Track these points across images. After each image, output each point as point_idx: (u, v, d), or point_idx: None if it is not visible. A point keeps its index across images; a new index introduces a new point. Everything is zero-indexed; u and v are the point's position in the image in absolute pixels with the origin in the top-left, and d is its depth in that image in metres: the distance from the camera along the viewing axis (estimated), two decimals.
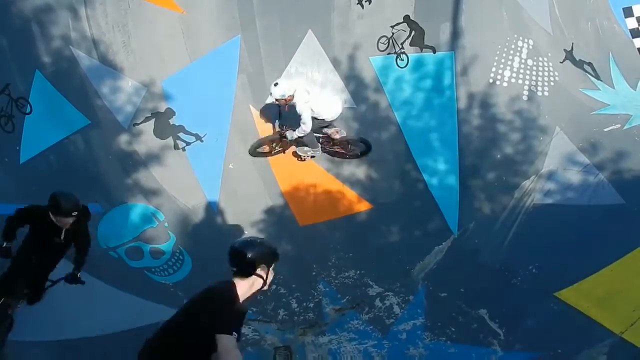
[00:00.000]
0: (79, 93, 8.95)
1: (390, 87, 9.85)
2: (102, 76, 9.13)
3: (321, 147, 9.44)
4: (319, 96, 8.95)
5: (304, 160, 9.51)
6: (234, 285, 4.11)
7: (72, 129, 8.78)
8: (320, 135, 9.29)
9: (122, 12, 9.25)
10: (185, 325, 3.94)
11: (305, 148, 9.38)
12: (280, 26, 9.81)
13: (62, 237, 6.25)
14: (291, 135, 9.05)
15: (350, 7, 9.92)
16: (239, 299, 4.07)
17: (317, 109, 8.82)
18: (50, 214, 6.06)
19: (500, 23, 9.95)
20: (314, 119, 8.85)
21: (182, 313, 4.08)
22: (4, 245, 6.12)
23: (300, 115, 8.76)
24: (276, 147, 9.55)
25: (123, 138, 9.07)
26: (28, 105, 8.58)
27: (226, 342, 3.72)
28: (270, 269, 4.22)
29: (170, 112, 9.35)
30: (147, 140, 9.17)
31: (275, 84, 8.64)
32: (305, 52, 9.86)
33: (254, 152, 9.48)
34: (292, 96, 8.64)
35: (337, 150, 9.52)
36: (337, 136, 9.27)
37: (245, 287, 4.14)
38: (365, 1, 9.91)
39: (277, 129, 9.34)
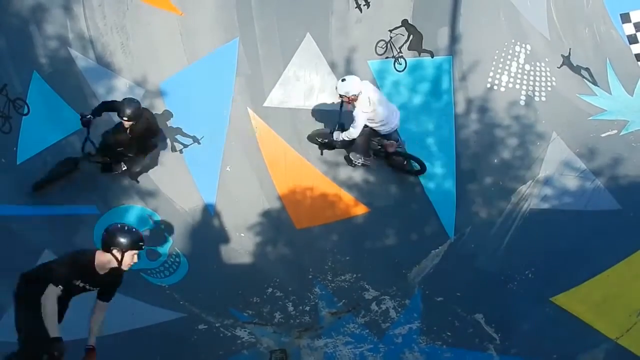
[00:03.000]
0: (76, 94, 8.94)
1: (388, 90, 9.85)
2: (99, 77, 9.12)
3: (378, 159, 9.36)
4: (379, 107, 8.67)
5: (355, 165, 9.38)
6: (94, 254, 5.21)
7: (69, 130, 8.75)
8: (379, 146, 9.17)
9: (121, 13, 9.25)
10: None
11: (358, 155, 9.22)
12: (279, 29, 9.82)
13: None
14: (337, 135, 8.99)
15: (349, 10, 9.93)
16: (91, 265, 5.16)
17: (374, 121, 8.74)
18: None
19: (498, 28, 9.97)
20: (369, 128, 8.80)
21: None
22: (88, 117, 7.97)
23: (353, 119, 8.66)
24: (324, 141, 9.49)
25: None
26: (25, 106, 8.57)
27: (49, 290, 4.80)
28: (127, 254, 5.13)
29: (167, 114, 9.34)
30: None
31: (343, 80, 8.54)
32: (303, 55, 9.87)
33: (312, 138, 9.55)
34: (356, 97, 8.46)
35: (393, 164, 9.49)
36: (391, 149, 9.10)
37: (102, 260, 5.18)
38: (364, 5, 9.93)
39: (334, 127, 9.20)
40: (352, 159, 9.29)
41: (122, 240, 5.09)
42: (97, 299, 5.53)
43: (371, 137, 9.01)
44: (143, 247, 5.26)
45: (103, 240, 5.15)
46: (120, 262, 5.14)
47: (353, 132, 8.71)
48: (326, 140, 9.41)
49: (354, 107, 8.58)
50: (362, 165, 9.33)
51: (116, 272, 5.30)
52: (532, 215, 8.84)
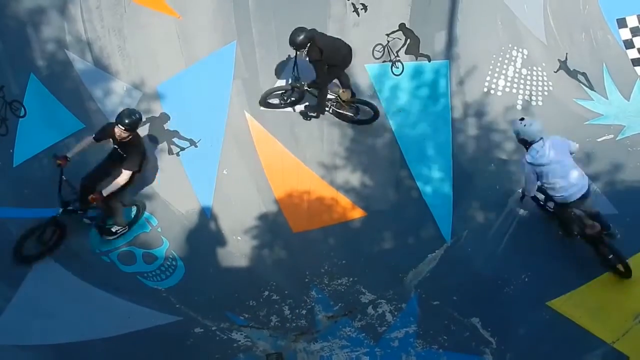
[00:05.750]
0: (73, 97, 8.94)
1: (385, 94, 9.88)
2: (96, 80, 9.12)
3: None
4: (550, 165, 7.30)
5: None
6: None
7: (66, 133, 8.75)
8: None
9: (118, 16, 9.25)
10: None
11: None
12: (276, 32, 9.83)
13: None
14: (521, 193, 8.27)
15: (346, 14, 9.95)
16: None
17: (542, 179, 7.44)
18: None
19: (495, 32, 10.00)
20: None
21: None
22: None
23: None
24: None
25: None
26: (22, 108, 8.56)
27: None
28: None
29: (165, 117, 9.34)
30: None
31: (522, 119, 7.47)
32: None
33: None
34: (526, 142, 7.41)
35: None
36: (590, 231, 7.54)
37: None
38: (361, 9, 9.95)
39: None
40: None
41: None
42: None
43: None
44: (118, 125, 7.43)
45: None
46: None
47: (526, 187, 7.73)
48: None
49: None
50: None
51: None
52: (529, 219, 8.85)
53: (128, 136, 7.75)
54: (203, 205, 9.13)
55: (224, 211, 9.15)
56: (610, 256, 7.53)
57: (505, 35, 10.01)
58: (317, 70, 8.94)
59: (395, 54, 9.97)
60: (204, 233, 8.98)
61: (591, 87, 10.12)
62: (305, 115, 9.74)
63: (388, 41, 9.98)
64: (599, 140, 9.41)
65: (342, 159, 9.65)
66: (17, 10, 8.80)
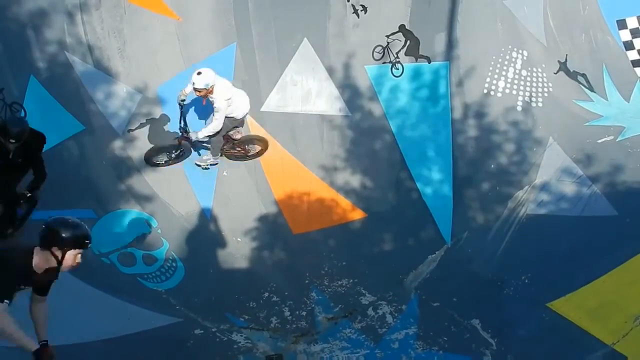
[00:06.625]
0: (73, 99, 8.94)
1: (385, 96, 9.88)
2: (96, 82, 9.12)
3: (220, 151, 9.19)
4: (235, 93, 8.63)
5: (206, 169, 9.21)
6: (31, 252, 4.33)
7: (66, 135, 8.76)
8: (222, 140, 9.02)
9: (118, 18, 9.25)
10: None
11: (205, 157, 9.15)
12: (276, 34, 9.84)
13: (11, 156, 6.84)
14: (196, 135, 8.60)
15: (346, 16, 9.95)
16: (29, 267, 4.30)
17: (232, 107, 8.55)
18: None
19: (495, 34, 10.00)
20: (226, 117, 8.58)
21: None
22: None
23: (215, 111, 8.44)
24: (173, 156, 9.11)
25: (117, 144, 9.05)
26: (22, 110, 8.56)
27: None
28: (69, 253, 4.30)
29: (165, 119, 9.35)
30: (141, 146, 9.15)
31: (199, 73, 8.17)
32: (300, 61, 9.88)
33: (150, 161, 9.04)
34: (213, 88, 8.26)
35: (238, 152, 9.36)
36: (238, 136, 9.13)
37: (41, 259, 4.31)
38: (361, 10, 9.96)
39: (180, 133, 8.87)
40: (201, 163, 9.19)
41: (65, 237, 4.24)
42: (33, 292, 4.63)
43: (226, 131, 8.83)
44: (89, 246, 4.39)
45: (43, 236, 4.29)
46: (60, 262, 4.30)
47: (217, 124, 8.49)
48: (175, 153, 9.09)
49: (211, 99, 8.38)
50: (212, 165, 9.22)
51: (53, 271, 4.40)
52: (529, 220, 8.85)
53: None
54: (203, 206, 9.13)
55: (223, 212, 9.15)
56: (247, 146, 9.32)
57: (505, 37, 10.01)
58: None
59: (395, 55, 9.97)
60: (204, 234, 8.97)
61: (591, 89, 10.12)
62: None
63: (388, 42, 9.97)
64: (599, 141, 9.41)
65: (342, 161, 9.65)
66: (17, 12, 8.80)
